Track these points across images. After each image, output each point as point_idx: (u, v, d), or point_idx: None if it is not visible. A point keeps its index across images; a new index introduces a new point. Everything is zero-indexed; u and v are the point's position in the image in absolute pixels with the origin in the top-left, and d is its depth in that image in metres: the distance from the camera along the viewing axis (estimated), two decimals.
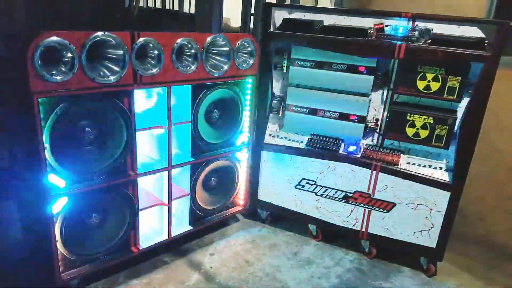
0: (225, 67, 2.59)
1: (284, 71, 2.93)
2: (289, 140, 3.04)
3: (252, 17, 4.45)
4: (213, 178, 2.96)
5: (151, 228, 2.72)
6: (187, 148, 2.66)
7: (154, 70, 2.22)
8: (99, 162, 2.22)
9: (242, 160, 3.09)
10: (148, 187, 2.70)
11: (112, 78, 2.06)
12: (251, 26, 4.47)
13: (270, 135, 3.08)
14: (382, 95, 2.76)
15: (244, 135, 3.01)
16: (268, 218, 3.30)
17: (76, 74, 1.92)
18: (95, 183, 2.20)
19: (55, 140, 2.00)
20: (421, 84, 2.53)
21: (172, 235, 2.70)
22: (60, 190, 2.06)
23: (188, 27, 5.65)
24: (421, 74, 2.51)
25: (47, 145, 1.97)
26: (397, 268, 2.86)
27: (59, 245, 2.16)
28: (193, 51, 2.40)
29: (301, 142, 3.00)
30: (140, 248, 2.53)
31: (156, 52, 2.22)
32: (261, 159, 3.08)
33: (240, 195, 3.19)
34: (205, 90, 2.60)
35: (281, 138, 3.07)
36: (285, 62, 2.89)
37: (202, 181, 2.86)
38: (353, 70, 2.70)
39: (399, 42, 2.49)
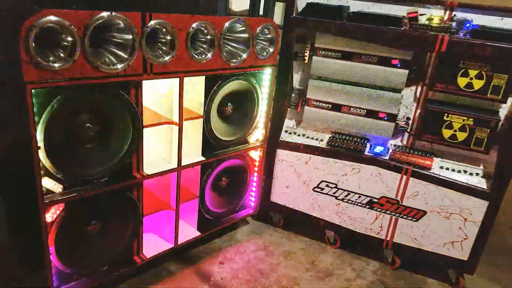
0: (244, 55, 2.33)
1: (306, 61, 2.67)
2: (308, 137, 2.81)
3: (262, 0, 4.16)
4: (223, 178, 2.72)
5: (156, 235, 2.48)
6: (197, 146, 2.41)
7: (167, 58, 1.95)
8: (101, 162, 1.96)
9: (255, 158, 2.85)
10: (153, 188, 2.46)
11: (119, 66, 1.79)
12: (261, 9, 4.18)
13: (286, 131, 2.85)
14: (416, 91, 2.54)
15: (259, 132, 2.77)
16: (281, 222, 3.08)
17: (77, 61, 1.65)
18: (96, 187, 1.94)
19: (51, 138, 1.73)
20: (462, 81, 2.30)
21: (179, 243, 2.47)
22: (55, 196, 1.80)
23: (188, 9, 5.32)
24: (463, 70, 2.29)
25: (41, 144, 1.70)
26: (423, 280, 2.69)
27: (53, 257, 1.91)
28: (209, 37, 2.13)
29: (321, 140, 2.78)
30: (144, 258, 2.30)
31: (168, 37, 1.94)
32: (276, 158, 2.85)
33: (251, 197, 2.97)
34: (220, 82, 2.34)
35: (299, 135, 2.84)
36: (308, 52, 2.63)
37: (212, 182, 2.62)
38: (385, 62, 2.46)
39: (440, 34, 2.25)
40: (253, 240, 2.92)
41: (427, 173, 2.47)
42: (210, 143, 2.45)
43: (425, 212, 2.53)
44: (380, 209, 2.64)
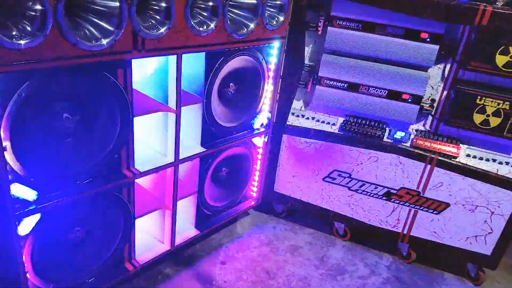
0: (251, 25, 1.99)
1: (319, 32, 2.35)
2: (318, 121, 2.54)
3: None
4: (223, 168, 2.44)
5: (149, 236, 2.21)
6: (196, 135, 2.11)
7: (162, 30, 1.60)
8: (83, 160, 1.64)
9: (258, 145, 2.57)
10: (146, 184, 2.15)
11: (104, 41, 1.43)
12: None
13: (293, 114, 2.56)
14: (444, 70, 2.28)
15: (263, 115, 2.47)
16: (284, 212, 2.86)
17: (49, 37, 1.29)
18: (78, 190, 1.63)
19: (19, 135, 1.39)
20: (501, 60, 2.05)
21: (175, 244, 2.20)
22: (29, 205, 1.48)
23: None
24: (503, 47, 2.03)
25: (7, 143, 1.36)
26: (440, 274, 2.55)
27: (30, 275, 1.61)
28: (211, 3, 1.78)
29: (333, 124, 2.51)
30: (137, 264, 2.03)
31: (163, 4, 1.59)
32: (281, 144, 2.58)
33: (253, 187, 2.71)
34: (223, 58, 2.01)
35: (307, 118, 2.56)
36: (322, 22, 2.31)
37: (212, 173, 2.34)
38: (413, 36, 2.18)
39: (482, 4, 1.97)
40: (255, 233, 2.69)
41: (453, 162, 2.25)
42: (210, 131, 2.15)
43: (448, 205, 2.34)
44: (398, 201, 2.43)
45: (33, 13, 1.25)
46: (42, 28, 1.27)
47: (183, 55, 1.77)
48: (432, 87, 2.31)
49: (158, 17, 1.60)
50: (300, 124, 2.53)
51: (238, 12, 1.95)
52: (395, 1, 2.06)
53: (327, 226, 2.77)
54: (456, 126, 2.25)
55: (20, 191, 1.47)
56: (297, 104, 2.58)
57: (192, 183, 2.24)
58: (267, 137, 2.52)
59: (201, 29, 1.76)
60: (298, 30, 2.31)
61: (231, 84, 2.21)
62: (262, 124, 2.48)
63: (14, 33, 1.23)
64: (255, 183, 2.69)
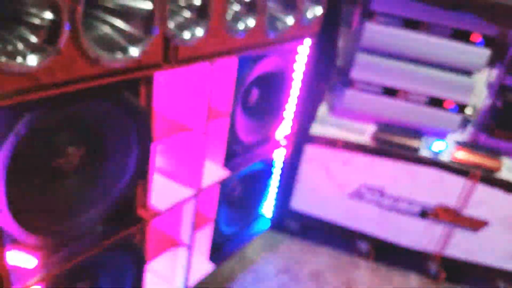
0: (288, 21, 1.68)
1: (353, 29, 2.09)
2: (344, 129, 2.30)
3: None
4: (238, 187, 2.15)
5: (157, 279, 1.89)
6: (218, 155, 1.79)
7: (199, 34, 1.26)
8: (90, 204, 1.29)
9: (276, 158, 2.30)
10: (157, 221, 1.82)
11: (131, 53, 1.08)
12: None
13: (315, 121, 2.30)
14: (489, 75, 2.10)
15: (285, 125, 2.19)
16: (298, 230, 2.63)
17: (63, 52, 0.93)
18: (86, 247, 1.28)
19: (16, 187, 1.03)
20: None
21: (189, 285, 1.91)
22: (28, 276, 1.13)
23: None
24: None
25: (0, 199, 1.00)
26: None
27: None
28: None
29: (362, 133, 2.28)
30: None
31: None
32: (302, 155, 2.32)
33: (267, 205, 2.44)
34: (253, 62, 1.69)
35: (332, 125, 2.32)
36: (357, 16, 2.04)
37: (228, 196, 2.04)
38: (462, 37, 1.98)
39: None
40: (269, 258, 2.44)
41: (499, 178, 2.12)
42: (233, 148, 1.84)
43: (487, 223, 2.22)
44: (433, 219, 2.27)
45: (39, 21, 0.88)
46: (53, 40, 0.90)
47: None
48: (475, 94, 2.14)
49: (192, 17, 1.26)
50: (324, 132, 2.28)
51: (276, 5, 1.63)
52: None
53: (347, 244, 2.58)
54: (501, 138, 2.10)
55: (16, 258, 1.11)
56: (320, 110, 2.32)
57: (206, 209, 1.93)
58: (287, 148, 2.25)
59: (238, 29, 1.43)
60: (333, 25, 2.02)
61: (254, 90, 1.90)
62: (284, 135, 2.20)
63: (19, 46, 0.86)
64: (270, 201, 2.42)
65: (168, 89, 1.45)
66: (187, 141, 1.58)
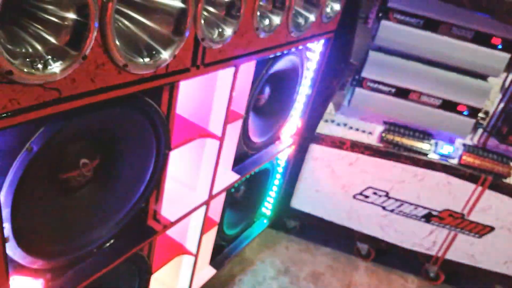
0: (311, 17, 1.57)
1: (369, 26, 2.00)
2: (351, 128, 2.24)
3: None
4: (241, 187, 2.07)
5: (162, 285, 1.79)
6: (228, 159, 1.69)
7: (228, 34, 1.14)
8: (103, 218, 1.18)
9: (280, 157, 2.21)
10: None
11: (164, 57, 0.96)
12: None
13: (322, 119, 2.22)
14: (504, 80, 2.07)
15: (293, 124, 2.10)
16: (295, 228, 2.58)
17: (89, 58, 0.80)
18: (96, 264, 1.18)
19: (24, 210, 0.91)
20: None
21: None
22: None
23: None
24: None
25: (6, 226, 0.88)
26: None
27: None
28: None
29: (370, 133, 2.23)
30: None
31: None
32: (307, 154, 2.24)
33: (268, 204, 2.37)
34: (271, 62, 1.59)
35: (338, 124, 2.25)
36: (374, 13, 1.96)
37: (232, 197, 1.96)
38: (482, 40, 1.92)
39: None
40: (268, 258, 2.39)
41: (506, 183, 2.11)
42: (243, 150, 1.75)
43: (492, 229, 2.23)
44: (438, 223, 2.27)
45: (57, 19, 0.75)
46: (78, 44, 0.77)
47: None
48: (488, 99, 2.11)
49: (221, 15, 1.13)
50: (331, 131, 2.21)
51: (301, 2, 1.51)
52: (478, 1, 1.76)
53: (345, 244, 2.55)
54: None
55: (22, 283, 0.99)
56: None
57: (212, 214, 1.84)
58: (292, 147, 2.17)
59: (265, 28, 1.32)
60: (350, 23, 1.92)
61: (266, 89, 1.80)
62: (290, 134, 2.11)
63: (39, 48, 0.73)
64: (271, 200, 2.35)
65: (186, 92, 1.33)
66: (201, 146, 1.47)
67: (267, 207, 2.38)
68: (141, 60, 0.91)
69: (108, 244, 1.22)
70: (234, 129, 1.58)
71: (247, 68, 1.45)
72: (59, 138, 0.91)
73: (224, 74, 1.31)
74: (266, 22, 1.33)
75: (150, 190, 1.28)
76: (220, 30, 1.12)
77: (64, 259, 1.10)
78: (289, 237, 2.58)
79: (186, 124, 1.41)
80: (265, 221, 2.39)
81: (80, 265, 1.15)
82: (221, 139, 1.43)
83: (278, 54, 1.55)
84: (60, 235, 1.07)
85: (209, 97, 1.38)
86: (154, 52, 0.94)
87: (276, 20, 1.35)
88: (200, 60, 1.10)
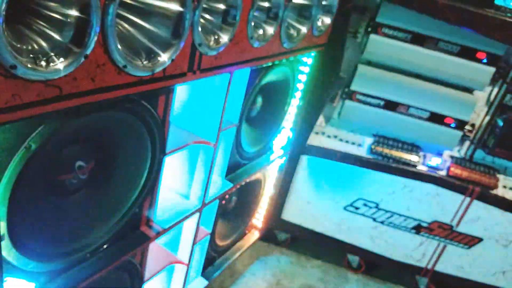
0: (303, 30, 1.62)
1: (358, 39, 2.06)
2: (341, 140, 2.28)
3: None
4: (233, 198, 2.08)
5: None
6: (221, 167, 1.71)
7: (224, 41, 1.18)
8: (97, 222, 1.18)
9: (271, 168, 2.23)
10: None
11: (162, 59, 0.98)
12: None
13: (313, 131, 2.26)
14: (490, 93, 2.14)
15: (283, 134, 2.13)
16: (287, 240, 2.58)
17: (90, 57, 0.82)
18: (90, 269, 1.17)
19: (20, 210, 0.91)
20: None
21: None
22: None
23: None
24: None
25: (2, 223, 0.88)
26: None
27: None
28: (268, 3, 1.38)
29: (360, 145, 2.27)
30: None
31: (221, 5, 1.16)
32: (298, 166, 2.27)
33: (259, 215, 2.38)
34: (264, 72, 1.62)
35: (328, 136, 2.28)
36: (363, 28, 2.02)
37: (225, 204, 1.96)
38: (468, 55, 1.99)
39: None
40: (259, 271, 2.37)
41: (495, 195, 2.16)
42: (235, 159, 1.76)
43: (480, 240, 2.26)
44: (428, 234, 2.29)
45: (64, 16, 0.78)
46: (81, 42, 0.80)
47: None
48: (475, 111, 2.17)
49: (217, 23, 1.17)
50: (321, 143, 2.24)
51: (293, 15, 1.56)
52: (463, 16, 1.83)
53: (336, 256, 2.55)
54: (500, 157, 2.15)
55: (13, 286, 0.99)
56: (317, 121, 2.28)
57: (204, 223, 1.84)
58: (284, 158, 2.19)
59: (259, 37, 1.36)
60: (340, 36, 1.98)
61: (258, 99, 1.83)
62: (281, 145, 2.14)
63: (43, 44, 0.75)
64: (262, 211, 2.36)
65: (181, 98, 1.35)
66: (195, 154, 1.48)
67: (258, 218, 2.38)
68: (139, 62, 0.94)
69: (101, 249, 1.22)
70: (228, 137, 1.60)
71: (241, 78, 1.48)
72: (57, 138, 0.92)
73: (219, 81, 1.34)
74: (260, 32, 1.37)
75: (144, 196, 1.28)
76: (216, 37, 1.16)
77: (57, 262, 1.09)
78: (280, 249, 2.57)
79: (180, 131, 1.42)
80: (256, 233, 2.39)
81: (73, 270, 1.14)
82: (215, 146, 1.44)
83: (270, 64, 1.59)
84: (54, 238, 1.07)
85: (204, 104, 1.41)
86: (152, 55, 0.96)
87: (270, 30, 1.39)
88: (197, 66, 1.13)
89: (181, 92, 1.37)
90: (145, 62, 0.95)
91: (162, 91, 1.12)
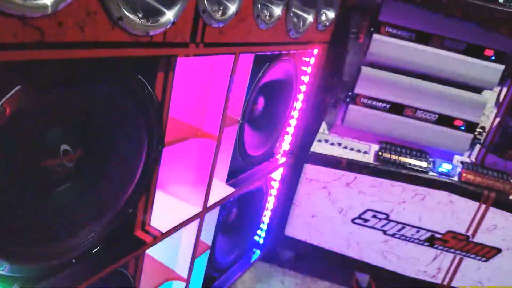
0: (309, 18, 1.51)
1: (360, 40, 1.97)
2: (345, 148, 2.14)
3: None
4: (233, 209, 1.90)
5: None
6: (223, 169, 1.55)
7: (229, 13, 1.06)
8: (84, 225, 1.00)
9: (274, 177, 2.08)
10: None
11: (163, 19, 0.85)
12: None
13: (315, 140, 2.13)
14: (499, 94, 2.05)
15: (285, 140, 1.99)
16: (291, 260, 2.39)
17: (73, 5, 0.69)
18: (77, 276, 0.98)
19: None
20: None
21: None
22: None
23: None
24: None
25: None
26: None
27: None
28: None
29: (365, 152, 2.13)
30: None
31: None
32: (301, 175, 2.12)
33: (260, 231, 2.20)
34: (268, 64, 1.51)
35: (332, 144, 2.15)
36: (366, 27, 1.94)
37: (224, 220, 1.79)
38: (475, 52, 1.91)
39: None
40: None
41: (510, 200, 2.02)
42: (237, 162, 1.61)
43: (499, 250, 2.10)
44: (442, 247, 2.13)
45: None
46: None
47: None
48: (484, 113, 2.07)
49: None
50: (325, 151, 2.10)
51: (298, 3, 1.47)
52: (468, 10, 1.76)
53: (344, 276, 2.36)
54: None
55: None
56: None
57: (203, 234, 1.65)
58: (286, 167, 2.05)
59: (266, 18, 1.24)
60: (342, 35, 1.89)
61: (260, 99, 1.70)
62: (283, 151, 2.00)
63: None
64: (264, 226, 2.18)
65: (181, 83, 1.22)
66: (196, 151, 1.33)
67: (260, 235, 2.20)
68: (137, 18, 0.80)
69: (90, 254, 1.03)
70: (230, 134, 1.46)
71: (243, 70, 1.36)
72: (38, 106, 0.77)
73: (225, 65, 1.21)
74: (267, 12, 1.26)
75: (139, 194, 1.12)
76: (222, 7, 1.03)
77: (36, 266, 0.91)
78: (283, 270, 2.37)
79: (180, 124, 1.27)
80: (258, 251, 2.20)
81: (55, 277, 0.95)
82: (218, 139, 1.29)
83: (274, 56, 1.48)
84: (34, 237, 0.89)
85: (206, 94, 1.27)
86: (152, 12, 0.83)
87: (277, 11, 1.28)
88: (200, 37, 1.00)
89: (183, 76, 1.23)
90: (143, 20, 0.82)
91: (161, 65, 0.98)
